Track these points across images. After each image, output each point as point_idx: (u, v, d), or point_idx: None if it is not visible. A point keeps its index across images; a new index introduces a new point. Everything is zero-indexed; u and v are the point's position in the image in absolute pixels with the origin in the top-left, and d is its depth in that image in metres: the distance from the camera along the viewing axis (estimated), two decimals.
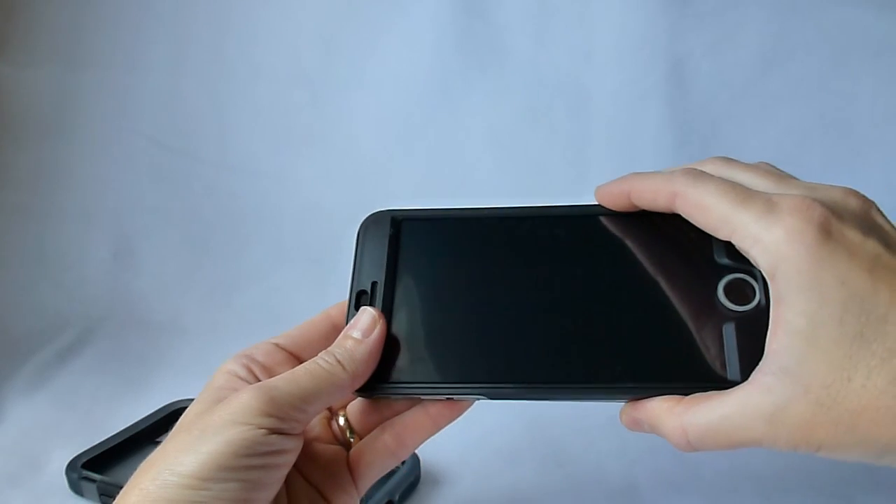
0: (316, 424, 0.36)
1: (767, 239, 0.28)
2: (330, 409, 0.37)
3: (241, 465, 0.28)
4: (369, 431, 0.35)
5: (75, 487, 0.49)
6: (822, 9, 0.72)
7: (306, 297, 0.71)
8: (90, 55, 0.80)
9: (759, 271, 0.30)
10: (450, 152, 0.78)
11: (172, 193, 0.80)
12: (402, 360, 0.34)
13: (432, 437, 0.35)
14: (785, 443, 0.27)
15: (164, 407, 0.55)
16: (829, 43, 0.72)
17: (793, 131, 0.73)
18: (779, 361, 0.27)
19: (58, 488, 0.50)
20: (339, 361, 0.32)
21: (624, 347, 0.32)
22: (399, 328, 0.34)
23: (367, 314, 0.34)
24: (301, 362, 0.33)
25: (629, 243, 0.34)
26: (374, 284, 0.35)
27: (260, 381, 0.32)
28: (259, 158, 0.80)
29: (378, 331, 0.33)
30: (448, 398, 0.34)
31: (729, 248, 0.32)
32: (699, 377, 0.30)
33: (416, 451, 0.48)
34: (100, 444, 0.51)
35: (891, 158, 0.71)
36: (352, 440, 0.35)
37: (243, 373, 0.33)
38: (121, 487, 0.29)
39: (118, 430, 0.53)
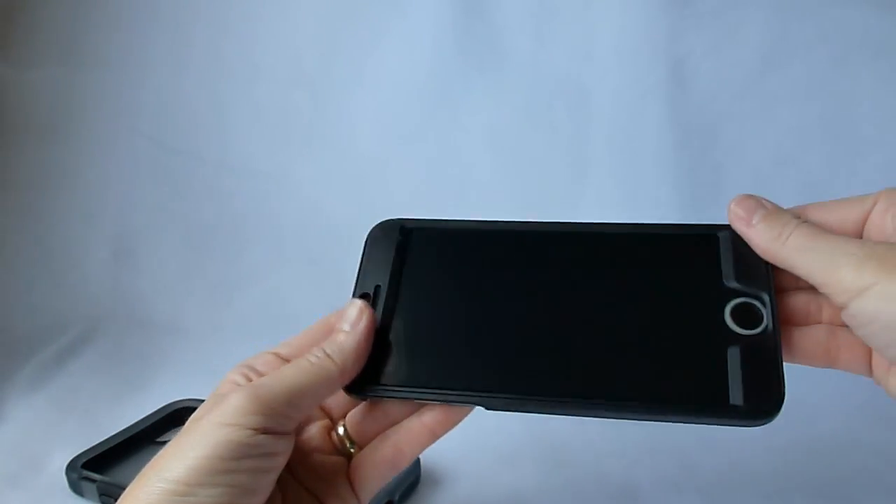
0: (316, 435, 0.36)
1: None
2: (331, 419, 0.37)
3: (228, 469, 0.28)
4: (368, 441, 0.35)
5: (75, 487, 0.49)
6: (822, 9, 0.72)
7: (306, 298, 0.71)
8: (90, 55, 0.80)
9: (768, 296, 0.31)
10: (450, 152, 0.78)
11: (172, 193, 0.80)
12: (398, 363, 0.34)
13: None
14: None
15: (165, 407, 0.55)
16: (829, 43, 0.72)
17: (793, 131, 0.73)
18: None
19: (58, 488, 0.50)
20: (327, 355, 0.32)
21: (624, 365, 0.32)
22: (398, 332, 0.35)
23: (354, 306, 0.34)
24: None
25: (636, 263, 0.34)
26: (377, 288, 0.36)
27: None
28: (259, 159, 0.80)
29: (365, 321, 0.33)
30: (443, 403, 0.34)
31: (738, 271, 0.32)
32: (699, 399, 0.30)
33: None
34: (100, 444, 0.51)
35: (891, 158, 0.71)
36: (352, 450, 0.35)
37: (243, 382, 0.33)
38: (121, 487, 0.29)
39: (118, 430, 0.53)
